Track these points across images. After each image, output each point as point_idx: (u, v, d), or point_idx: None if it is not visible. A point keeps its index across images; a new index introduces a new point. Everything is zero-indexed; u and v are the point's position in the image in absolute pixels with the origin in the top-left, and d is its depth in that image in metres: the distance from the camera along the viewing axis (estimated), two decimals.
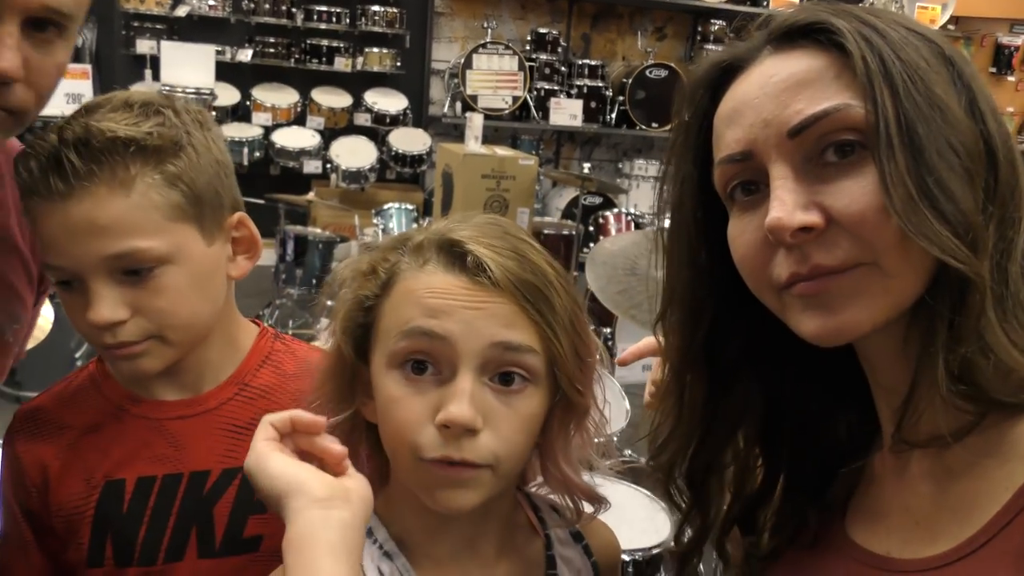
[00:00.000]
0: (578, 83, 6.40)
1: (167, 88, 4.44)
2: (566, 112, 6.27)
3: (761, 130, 0.65)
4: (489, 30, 6.32)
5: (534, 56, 6.34)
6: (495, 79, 6.20)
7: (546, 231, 4.69)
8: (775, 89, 0.65)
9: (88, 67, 4.50)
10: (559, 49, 6.43)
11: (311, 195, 4.75)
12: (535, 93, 6.27)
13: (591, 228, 4.81)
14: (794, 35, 0.67)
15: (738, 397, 0.78)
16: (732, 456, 0.81)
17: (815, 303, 0.64)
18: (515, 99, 6.24)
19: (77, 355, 3.89)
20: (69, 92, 4.16)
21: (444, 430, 0.70)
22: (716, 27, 6.57)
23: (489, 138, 5.58)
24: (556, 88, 6.33)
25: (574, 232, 4.62)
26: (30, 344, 2.69)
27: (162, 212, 0.89)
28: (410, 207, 4.86)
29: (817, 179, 0.63)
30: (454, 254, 0.74)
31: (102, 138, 0.87)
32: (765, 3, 6.61)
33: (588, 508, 0.87)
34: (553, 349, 0.75)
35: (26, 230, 1.07)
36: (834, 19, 0.65)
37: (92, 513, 0.98)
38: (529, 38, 6.48)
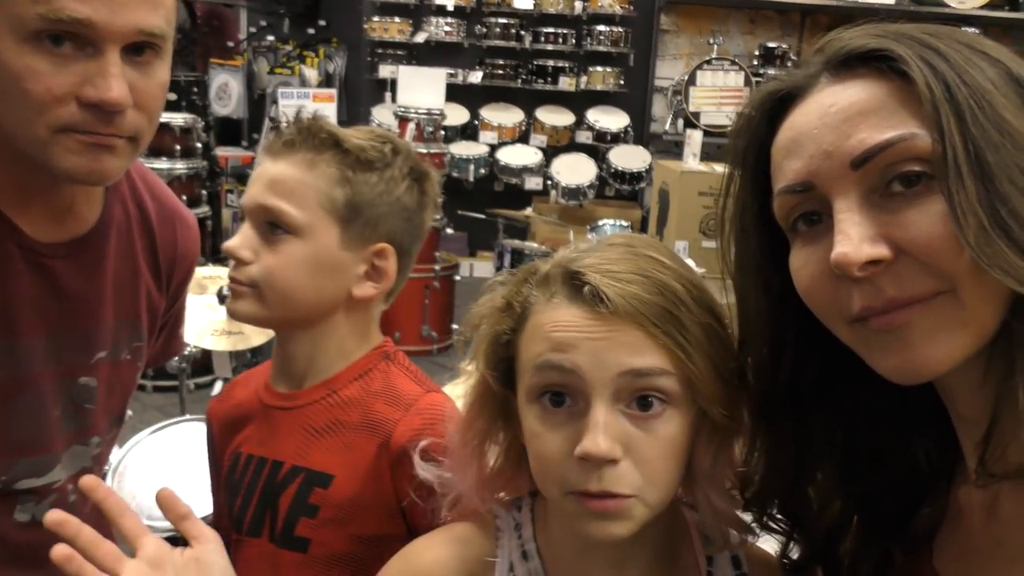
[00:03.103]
0: None
1: (401, 109, 4.77)
2: None
3: (823, 161, 0.62)
4: (715, 46, 6.23)
5: (762, 71, 6.16)
6: (719, 95, 6.10)
7: None
8: (835, 119, 0.62)
9: (334, 91, 4.95)
10: (789, 64, 6.22)
11: (529, 211, 4.90)
12: None
13: None
14: (853, 62, 0.64)
15: (821, 429, 0.75)
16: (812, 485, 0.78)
17: (892, 339, 0.61)
18: None
19: None
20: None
21: (584, 463, 0.69)
22: None
23: (712, 155, 5.48)
24: None
25: None
26: (264, 339, 2.95)
27: (317, 197, 1.05)
28: (624, 223, 4.90)
29: (883, 210, 0.60)
30: (575, 286, 0.73)
31: (320, 129, 1.07)
32: None
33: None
34: (687, 370, 0.72)
35: (145, 247, 1.18)
36: (895, 45, 0.61)
37: (226, 476, 1.14)
38: (757, 53, 6.31)
